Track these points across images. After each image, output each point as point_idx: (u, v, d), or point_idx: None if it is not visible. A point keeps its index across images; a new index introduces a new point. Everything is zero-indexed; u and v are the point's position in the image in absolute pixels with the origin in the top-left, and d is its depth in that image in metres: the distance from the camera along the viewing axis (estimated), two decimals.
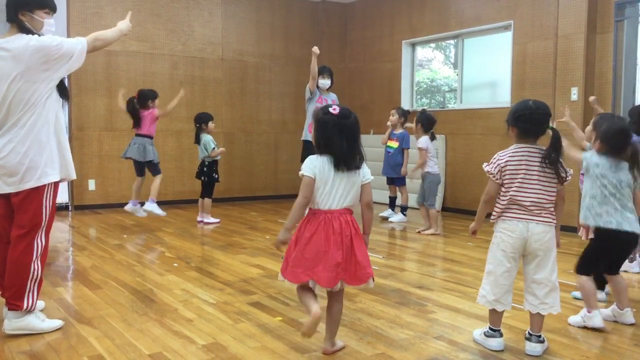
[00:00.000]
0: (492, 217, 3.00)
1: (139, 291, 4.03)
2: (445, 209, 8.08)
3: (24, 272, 3.05)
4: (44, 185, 3.08)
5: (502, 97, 7.52)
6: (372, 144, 8.59)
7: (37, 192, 3.06)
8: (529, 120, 2.89)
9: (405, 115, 7.35)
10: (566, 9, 6.53)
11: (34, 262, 3.08)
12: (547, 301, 2.89)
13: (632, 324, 3.36)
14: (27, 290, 3.07)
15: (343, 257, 2.73)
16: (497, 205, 2.96)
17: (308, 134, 7.38)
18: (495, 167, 2.92)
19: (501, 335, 2.99)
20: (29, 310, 3.11)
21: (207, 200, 7.01)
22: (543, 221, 2.87)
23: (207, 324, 3.34)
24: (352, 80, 9.74)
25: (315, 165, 2.77)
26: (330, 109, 2.80)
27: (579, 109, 6.26)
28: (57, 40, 3.07)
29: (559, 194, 2.92)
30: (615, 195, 3.26)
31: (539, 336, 2.92)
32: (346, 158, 2.77)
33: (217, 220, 7.10)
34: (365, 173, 2.85)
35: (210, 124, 7.02)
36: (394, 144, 7.22)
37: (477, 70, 8.33)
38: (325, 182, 2.77)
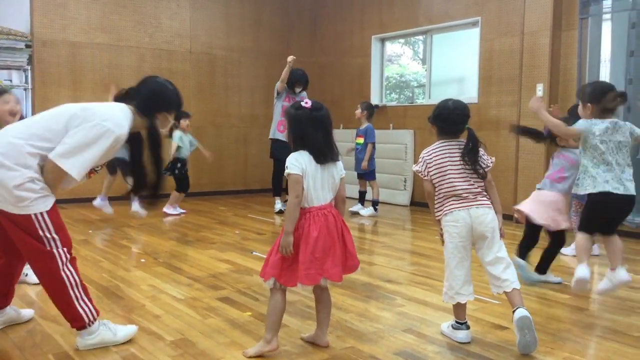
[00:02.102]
0: (436, 215, 3.06)
1: (106, 287, 3.96)
2: (414, 204, 8.15)
3: (58, 283, 2.73)
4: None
5: (470, 93, 7.61)
6: (343, 139, 8.61)
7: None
8: (446, 119, 3.04)
9: (369, 109, 7.41)
10: (532, 7, 6.63)
11: (63, 270, 2.72)
12: (506, 277, 2.95)
13: (628, 281, 3.51)
14: (75, 299, 2.75)
15: (341, 250, 2.79)
16: (437, 202, 3.05)
17: (277, 133, 7.40)
18: (423, 165, 3.04)
19: (468, 327, 3.03)
20: (96, 322, 2.84)
21: (174, 193, 7.20)
22: (481, 204, 2.97)
23: (175, 320, 3.31)
24: (323, 75, 9.73)
25: (301, 162, 2.72)
26: (302, 103, 2.78)
27: (544, 105, 6.35)
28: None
29: (487, 182, 3.03)
30: (617, 160, 3.42)
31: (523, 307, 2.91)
32: (324, 151, 2.76)
33: (178, 212, 7.20)
34: (341, 167, 2.87)
35: (182, 122, 7.04)
36: (361, 140, 7.26)
37: (445, 66, 8.41)
38: (313, 178, 2.74)
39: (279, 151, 7.15)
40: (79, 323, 2.81)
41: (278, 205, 7.45)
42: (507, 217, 6.65)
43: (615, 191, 3.41)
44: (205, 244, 5.49)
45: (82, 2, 7.73)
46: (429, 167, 3.01)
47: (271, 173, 7.62)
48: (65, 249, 2.75)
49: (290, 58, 7.00)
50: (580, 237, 3.57)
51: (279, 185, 7.48)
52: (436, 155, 3.02)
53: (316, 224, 2.72)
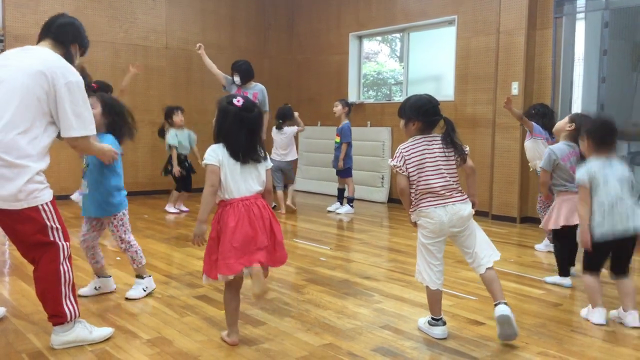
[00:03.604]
0: (410, 210, 3.07)
1: (81, 286, 3.90)
2: (391, 200, 8.19)
3: (54, 277, 2.74)
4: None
5: (446, 91, 7.66)
6: (319, 136, 8.62)
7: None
8: (433, 112, 3.05)
9: (349, 105, 7.42)
10: (508, 6, 6.70)
11: (62, 264, 2.76)
12: (489, 252, 3.04)
13: (634, 326, 3.23)
14: (64, 296, 2.77)
15: (268, 240, 2.80)
16: (412, 198, 3.05)
17: None
18: (401, 160, 3.01)
19: (444, 323, 3.06)
20: (74, 320, 2.83)
21: (173, 192, 7.22)
22: (457, 200, 3.00)
23: (151, 318, 3.27)
24: (300, 72, 9.72)
25: (218, 154, 2.78)
26: (235, 100, 2.80)
27: (519, 103, 6.43)
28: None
29: (468, 167, 3.07)
30: (622, 197, 3.23)
31: (505, 303, 2.94)
32: (244, 151, 2.79)
33: (177, 210, 7.21)
34: (267, 161, 2.91)
35: (175, 117, 6.95)
36: (337, 139, 7.27)
37: (422, 63, 8.46)
38: (231, 170, 2.78)
39: None
40: (59, 319, 2.79)
41: None
42: (483, 214, 6.77)
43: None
44: (182, 241, 5.45)
45: None
46: (407, 163, 3.00)
47: None
48: (67, 243, 2.81)
49: (197, 46, 6.82)
50: (588, 278, 3.38)
51: None
52: (415, 151, 3.01)
53: (235, 214, 2.75)
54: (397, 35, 9.00)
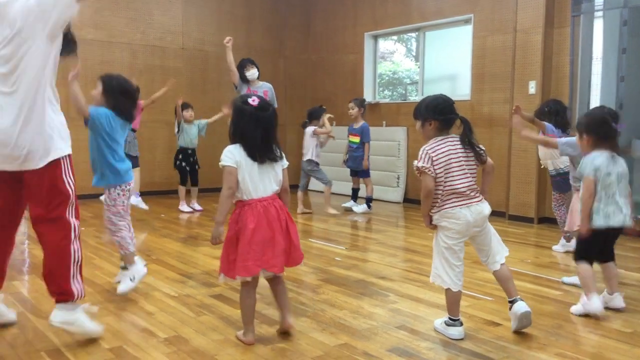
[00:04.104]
0: (432, 212, 3.05)
1: (98, 284, 3.95)
2: (407, 200, 8.17)
3: (64, 255, 2.80)
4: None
5: (462, 90, 7.62)
6: (335, 136, 8.59)
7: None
8: (449, 111, 3.06)
9: (363, 105, 7.40)
10: (525, 4, 6.65)
11: (73, 243, 2.83)
12: (500, 248, 3.10)
13: (621, 308, 3.48)
14: (72, 276, 2.82)
15: (285, 242, 2.82)
16: (436, 199, 3.02)
17: None
18: (428, 161, 2.98)
19: (461, 324, 3.04)
20: (78, 300, 2.87)
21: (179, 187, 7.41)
22: (478, 200, 3.02)
23: (168, 317, 3.30)
24: (315, 72, 9.72)
25: (235, 155, 2.78)
26: (250, 100, 2.80)
27: (536, 102, 6.37)
28: None
29: (488, 165, 3.08)
30: (616, 193, 3.39)
31: (521, 299, 3.08)
32: (260, 150, 2.79)
33: (188, 210, 7.33)
34: (283, 160, 2.92)
35: (185, 112, 7.17)
36: (356, 139, 7.25)
37: (438, 63, 8.42)
38: (249, 171, 2.78)
39: None
40: (66, 297, 2.83)
41: None
42: (499, 214, 6.72)
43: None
44: (198, 240, 5.48)
45: None
46: (435, 163, 2.96)
47: None
48: (78, 222, 2.87)
49: (227, 39, 6.89)
50: (582, 266, 3.52)
51: None
52: (441, 151, 2.98)
53: (254, 215, 2.76)
54: (413, 34, 8.97)
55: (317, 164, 7.23)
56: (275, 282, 2.96)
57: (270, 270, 2.80)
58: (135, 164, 6.71)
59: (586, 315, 3.36)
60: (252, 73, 6.74)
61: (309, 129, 7.23)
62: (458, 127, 3.05)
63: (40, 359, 2.71)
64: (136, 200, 6.74)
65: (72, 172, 2.88)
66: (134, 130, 6.73)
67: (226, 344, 2.91)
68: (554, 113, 5.04)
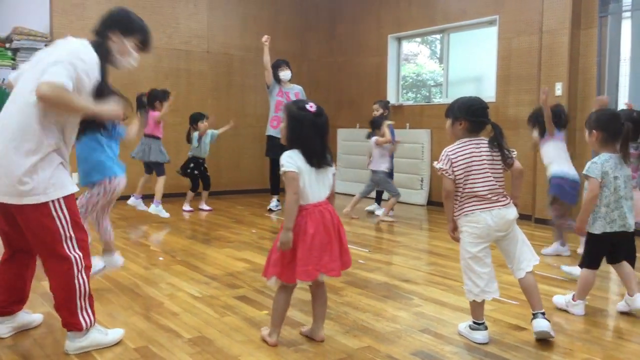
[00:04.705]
0: (454, 215, 3.04)
1: (124, 285, 4.00)
2: (430, 203, 8.12)
3: (69, 289, 2.71)
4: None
5: (488, 92, 7.55)
6: (358, 138, 8.59)
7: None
8: (481, 114, 3.02)
9: (387, 107, 7.36)
10: (551, 5, 6.57)
11: (77, 277, 2.72)
12: (529, 256, 3.04)
13: None
14: (80, 309, 2.76)
15: (338, 246, 2.83)
16: (456, 201, 3.01)
17: (271, 129, 7.40)
18: (447, 163, 2.97)
19: (486, 328, 3.01)
20: (89, 328, 2.83)
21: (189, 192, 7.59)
22: (502, 205, 2.96)
23: (193, 318, 3.33)
24: (340, 74, 9.72)
25: (296, 160, 2.77)
26: (307, 106, 2.80)
27: (563, 104, 6.29)
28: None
29: (516, 170, 3.02)
30: (625, 197, 3.34)
31: (543, 313, 3.00)
32: (319, 155, 2.80)
33: (192, 209, 7.46)
34: (332, 165, 2.93)
35: (200, 123, 7.30)
36: None
37: (462, 64, 8.36)
38: (308, 176, 2.79)
39: (271, 150, 7.29)
40: (74, 328, 2.79)
41: (273, 203, 7.54)
42: (525, 217, 6.64)
43: None
44: (223, 242, 5.52)
45: (101, 2, 7.78)
46: (454, 166, 2.96)
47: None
48: (81, 254, 2.74)
49: (264, 38, 6.89)
50: (588, 272, 3.48)
51: (276, 184, 7.61)
52: (462, 153, 2.97)
53: (313, 220, 2.76)
54: (437, 36, 8.92)
55: (389, 174, 6.97)
56: (317, 286, 2.94)
57: (329, 275, 2.81)
58: (160, 172, 6.92)
59: (607, 320, 3.31)
60: (285, 74, 6.81)
61: (372, 139, 6.97)
62: (489, 133, 3.02)
63: (68, 359, 2.76)
64: (156, 209, 6.83)
65: (70, 206, 2.70)
66: (155, 138, 6.79)
67: (250, 344, 2.93)
68: (557, 116, 4.99)
